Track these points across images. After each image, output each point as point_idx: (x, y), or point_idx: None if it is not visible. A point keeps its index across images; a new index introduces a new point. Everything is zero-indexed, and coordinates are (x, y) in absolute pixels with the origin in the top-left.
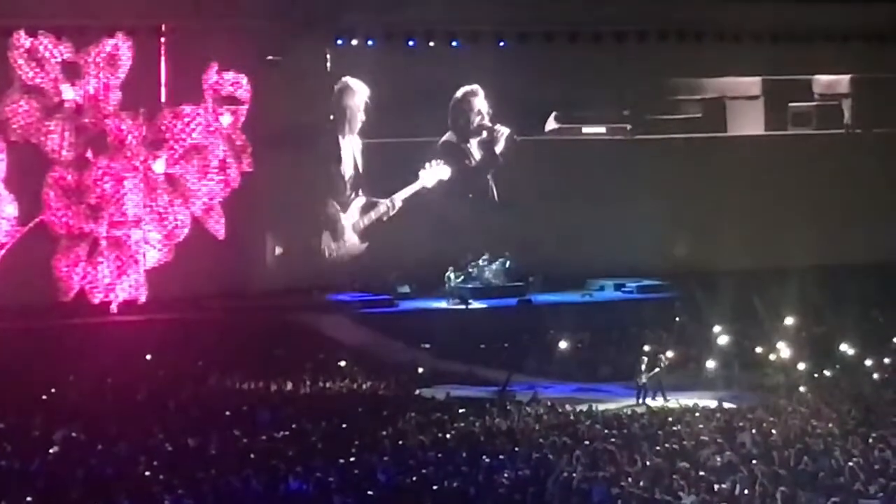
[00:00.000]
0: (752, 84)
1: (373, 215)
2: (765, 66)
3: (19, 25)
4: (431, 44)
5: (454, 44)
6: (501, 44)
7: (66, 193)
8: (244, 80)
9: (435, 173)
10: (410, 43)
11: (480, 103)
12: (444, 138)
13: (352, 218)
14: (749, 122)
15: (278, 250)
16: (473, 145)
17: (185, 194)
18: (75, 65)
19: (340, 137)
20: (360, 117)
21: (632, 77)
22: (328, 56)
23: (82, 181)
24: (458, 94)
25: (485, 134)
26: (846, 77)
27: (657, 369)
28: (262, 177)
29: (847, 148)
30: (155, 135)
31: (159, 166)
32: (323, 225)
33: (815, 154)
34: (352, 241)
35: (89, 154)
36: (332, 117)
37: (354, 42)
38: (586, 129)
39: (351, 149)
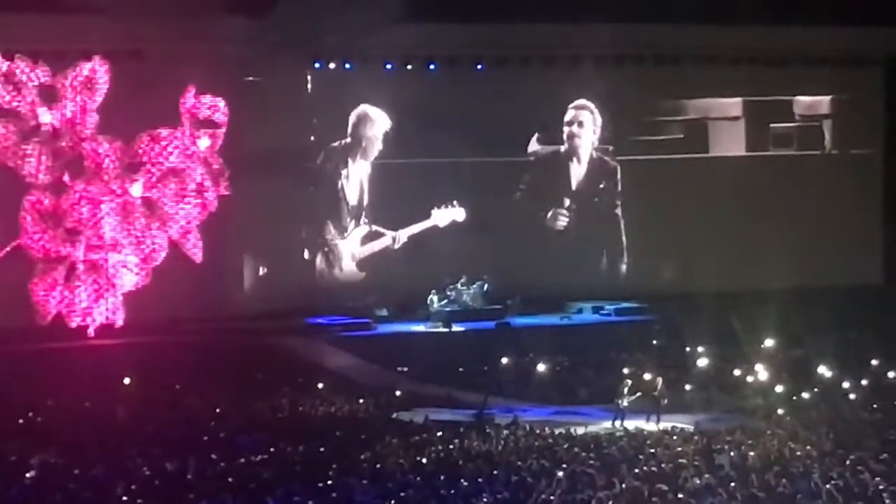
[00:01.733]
0: (733, 105)
1: (374, 246)
2: (746, 88)
3: None
4: (409, 67)
5: (431, 67)
6: (479, 67)
7: (44, 217)
8: (221, 103)
9: (449, 214)
10: (388, 66)
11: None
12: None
13: (351, 245)
14: (731, 143)
15: (261, 272)
16: None
17: (163, 218)
18: (52, 88)
19: (321, 159)
20: (336, 138)
21: (613, 99)
22: (307, 79)
23: (59, 205)
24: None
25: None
26: (826, 98)
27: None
28: (241, 200)
29: (827, 169)
30: (132, 158)
31: (136, 190)
32: (314, 249)
33: (796, 175)
34: (349, 268)
35: (66, 178)
36: (315, 139)
37: (332, 65)
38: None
39: (330, 170)
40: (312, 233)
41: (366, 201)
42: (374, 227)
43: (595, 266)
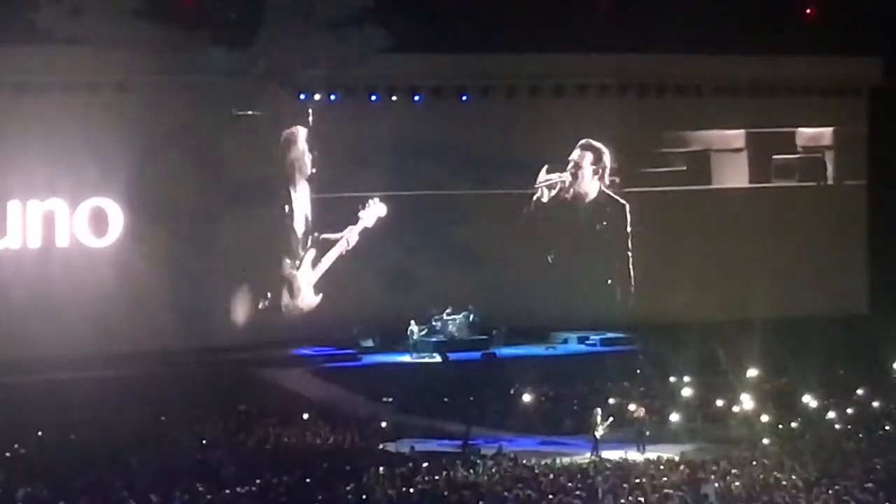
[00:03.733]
0: (736, 137)
1: (326, 262)
2: (748, 119)
3: None
4: (394, 98)
5: (416, 98)
6: (464, 97)
7: None
8: None
9: (374, 211)
10: (373, 97)
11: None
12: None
13: (306, 271)
14: (734, 175)
15: (242, 304)
16: None
17: None
18: None
19: (297, 190)
20: (307, 170)
21: (612, 130)
22: (289, 110)
23: None
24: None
25: None
26: (829, 130)
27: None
28: (226, 231)
29: (822, 200)
30: None
31: None
32: (279, 281)
33: (792, 206)
34: (308, 294)
35: None
36: (287, 171)
37: (317, 96)
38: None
39: (302, 202)
40: (294, 263)
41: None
42: (323, 236)
43: (584, 296)
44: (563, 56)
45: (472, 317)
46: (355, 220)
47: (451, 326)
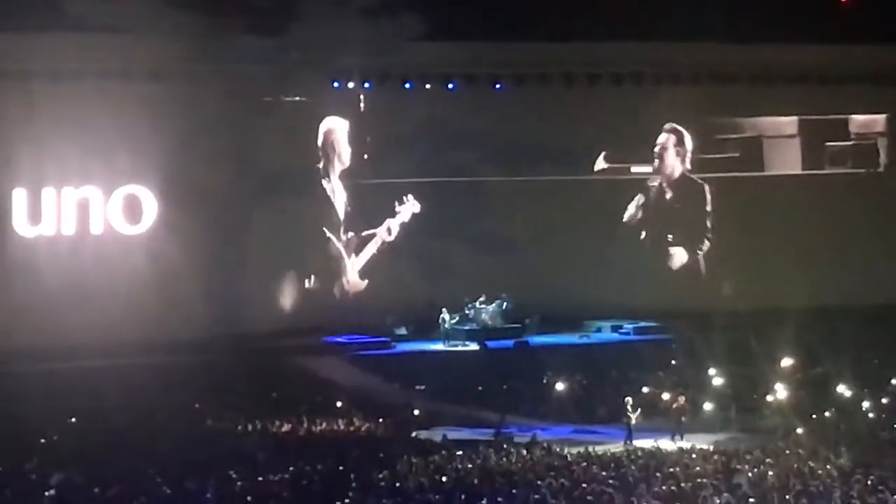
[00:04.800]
0: (789, 123)
1: (368, 250)
2: (801, 106)
3: (14, 69)
4: (428, 86)
5: (450, 86)
6: (498, 86)
7: None
8: None
9: (409, 208)
10: (407, 85)
11: None
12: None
13: (348, 258)
14: (787, 161)
15: (278, 291)
16: None
17: None
18: None
19: (332, 178)
20: (342, 157)
21: (667, 118)
22: (322, 98)
23: None
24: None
25: None
26: (882, 116)
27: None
28: (260, 219)
29: (875, 187)
30: None
31: None
32: (326, 267)
33: (840, 193)
34: (354, 279)
35: None
36: (321, 158)
37: (351, 85)
38: (635, 169)
39: (336, 190)
40: (328, 251)
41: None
42: (359, 224)
43: (616, 285)
44: (597, 45)
45: (505, 305)
46: (390, 208)
47: (484, 315)
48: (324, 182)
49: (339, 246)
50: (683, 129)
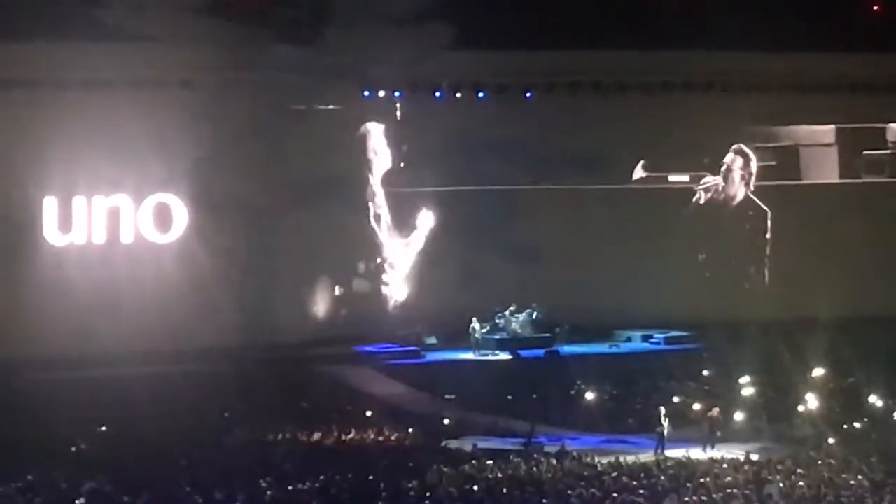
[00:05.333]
0: (826, 132)
1: (409, 258)
2: (839, 115)
3: (46, 78)
4: (458, 95)
5: (480, 95)
6: (528, 95)
7: None
8: None
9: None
10: (437, 94)
11: None
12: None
13: (388, 265)
14: (824, 170)
15: (309, 300)
16: None
17: None
18: None
19: (356, 187)
20: (371, 166)
21: (705, 125)
22: (353, 107)
23: None
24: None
25: None
26: None
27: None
28: (290, 227)
29: None
30: None
31: None
32: (358, 275)
33: (883, 202)
34: (393, 289)
35: None
36: (354, 166)
37: (381, 93)
38: (672, 178)
39: (366, 198)
40: (358, 260)
41: (411, 227)
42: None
43: (644, 294)
44: (627, 53)
45: (535, 314)
46: (421, 217)
47: (514, 324)
48: (354, 190)
49: (376, 254)
50: (750, 151)
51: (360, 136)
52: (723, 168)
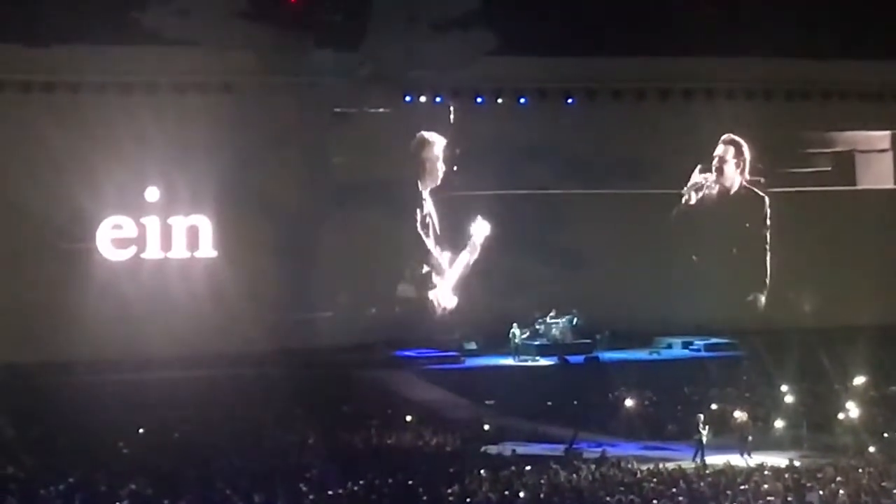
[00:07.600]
0: (881, 138)
1: (458, 266)
2: (894, 121)
3: (86, 80)
4: (500, 100)
5: (522, 101)
6: (569, 101)
7: None
8: None
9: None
10: (479, 100)
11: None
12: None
13: (441, 272)
14: (879, 176)
15: (350, 304)
16: None
17: None
18: None
19: (398, 192)
20: (414, 171)
21: (762, 132)
22: (397, 111)
23: None
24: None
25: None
26: None
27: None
28: (332, 231)
29: None
30: None
31: None
32: (401, 280)
33: None
34: (444, 295)
35: None
36: (390, 171)
37: (423, 98)
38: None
39: (409, 203)
40: (401, 264)
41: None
42: (448, 253)
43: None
44: (669, 59)
45: (575, 320)
46: (461, 222)
47: (554, 330)
48: (396, 195)
49: (416, 258)
50: (742, 140)
51: (401, 141)
52: (714, 161)
